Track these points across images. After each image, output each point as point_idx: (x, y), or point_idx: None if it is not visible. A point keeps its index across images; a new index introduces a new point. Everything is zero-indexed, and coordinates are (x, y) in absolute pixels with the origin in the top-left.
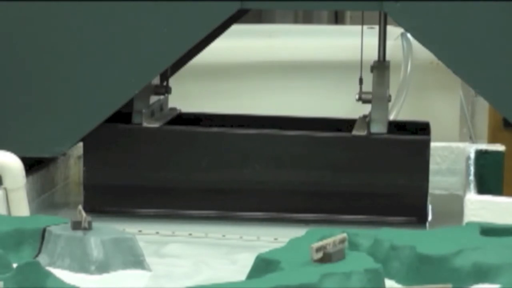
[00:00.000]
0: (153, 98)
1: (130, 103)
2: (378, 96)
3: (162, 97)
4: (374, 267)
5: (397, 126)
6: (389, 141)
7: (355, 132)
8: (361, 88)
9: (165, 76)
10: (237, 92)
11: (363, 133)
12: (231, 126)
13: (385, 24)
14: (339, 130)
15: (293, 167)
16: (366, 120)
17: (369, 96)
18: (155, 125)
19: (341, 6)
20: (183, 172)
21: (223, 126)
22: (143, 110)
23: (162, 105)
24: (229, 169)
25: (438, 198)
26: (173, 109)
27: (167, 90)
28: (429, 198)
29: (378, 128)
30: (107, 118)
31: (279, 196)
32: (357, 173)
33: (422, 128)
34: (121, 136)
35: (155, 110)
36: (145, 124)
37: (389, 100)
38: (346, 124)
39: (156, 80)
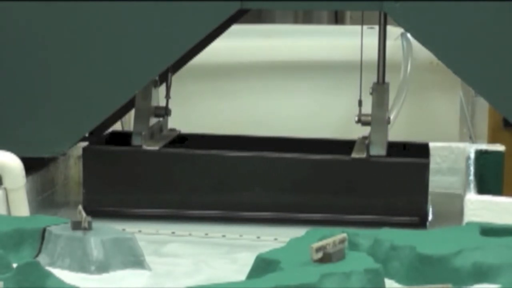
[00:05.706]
0: (153, 120)
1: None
2: (377, 118)
3: (161, 118)
4: (374, 267)
5: (396, 147)
6: (388, 164)
7: (354, 155)
8: (360, 110)
9: (165, 76)
10: (237, 92)
11: (362, 155)
12: (231, 147)
13: (385, 24)
14: (338, 151)
15: (293, 189)
16: (365, 142)
17: (368, 118)
18: (155, 147)
19: (341, 6)
20: (183, 195)
21: (222, 147)
22: (143, 133)
23: (161, 127)
24: (229, 192)
25: (438, 198)
26: (173, 130)
27: (166, 112)
28: (429, 198)
29: (377, 150)
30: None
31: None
32: (357, 195)
33: (422, 149)
34: (121, 159)
35: (154, 132)
36: (144, 147)
37: (389, 122)
38: (345, 146)
39: (155, 101)
